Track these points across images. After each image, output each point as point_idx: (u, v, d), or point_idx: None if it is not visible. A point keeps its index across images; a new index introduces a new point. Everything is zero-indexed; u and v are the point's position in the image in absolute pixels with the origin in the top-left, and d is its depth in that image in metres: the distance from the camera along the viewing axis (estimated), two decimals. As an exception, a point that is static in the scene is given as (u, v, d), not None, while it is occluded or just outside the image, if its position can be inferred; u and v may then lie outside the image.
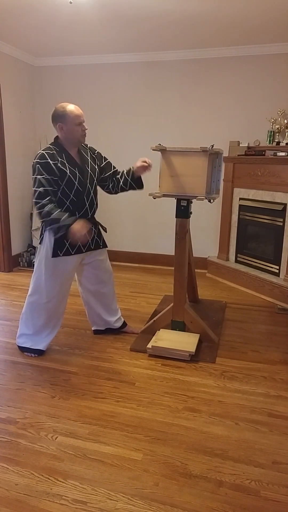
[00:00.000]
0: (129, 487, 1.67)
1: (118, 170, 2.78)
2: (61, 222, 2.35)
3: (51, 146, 2.49)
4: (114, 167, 2.77)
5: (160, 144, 2.61)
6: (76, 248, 2.59)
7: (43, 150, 2.45)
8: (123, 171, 2.74)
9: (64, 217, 2.37)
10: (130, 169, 2.72)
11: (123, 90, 4.68)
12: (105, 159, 2.75)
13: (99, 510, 1.56)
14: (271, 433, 2.01)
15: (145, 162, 2.64)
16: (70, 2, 3.03)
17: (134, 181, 2.71)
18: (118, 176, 2.74)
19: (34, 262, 4.79)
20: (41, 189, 2.38)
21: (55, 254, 2.53)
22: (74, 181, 2.47)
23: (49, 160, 2.41)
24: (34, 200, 2.43)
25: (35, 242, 4.87)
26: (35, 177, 2.40)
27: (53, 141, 2.54)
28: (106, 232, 2.83)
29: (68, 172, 2.45)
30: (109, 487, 1.67)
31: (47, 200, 2.39)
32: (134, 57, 4.52)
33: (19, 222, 4.87)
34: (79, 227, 2.37)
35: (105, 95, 4.74)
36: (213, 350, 2.82)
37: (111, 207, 4.72)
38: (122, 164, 4.85)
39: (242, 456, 1.85)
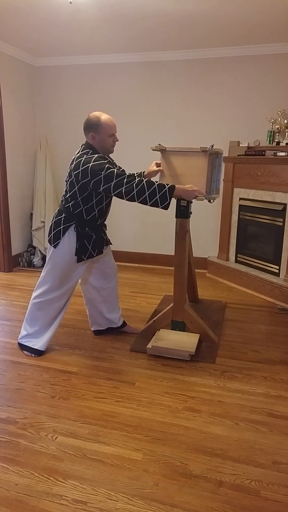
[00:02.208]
0: (129, 487, 1.67)
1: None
2: (162, 191, 2.28)
3: (94, 154, 2.42)
4: (123, 171, 2.77)
5: (160, 144, 2.61)
6: (97, 251, 2.65)
7: (95, 155, 2.38)
8: (133, 174, 2.73)
9: (158, 186, 2.29)
10: (141, 173, 2.73)
11: (123, 90, 4.68)
12: (116, 165, 2.75)
13: (99, 510, 1.56)
14: (271, 433, 2.01)
15: (159, 166, 2.65)
16: (70, 2, 3.03)
17: None
18: None
19: (34, 262, 4.85)
20: (122, 177, 2.29)
21: (80, 259, 2.57)
22: None
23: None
24: (121, 189, 2.29)
25: (35, 242, 4.86)
26: (109, 172, 2.29)
27: (87, 146, 2.48)
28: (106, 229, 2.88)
29: None
30: (109, 487, 1.67)
31: (132, 179, 2.29)
32: (134, 57, 4.52)
33: (19, 222, 4.87)
34: (185, 188, 2.37)
35: (105, 95, 4.74)
36: (213, 350, 2.82)
37: (111, 207, 4.72)
38: (122, 164, 4.86)
39: (242, 456, 1.85)
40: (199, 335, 2.86)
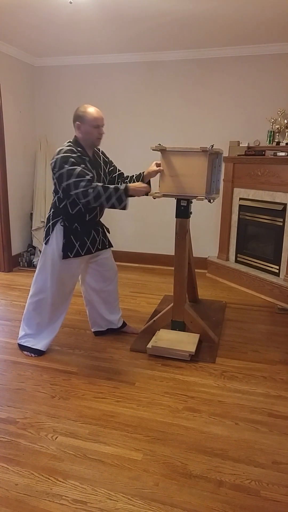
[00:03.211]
0: (129, 487, 1.67)
1: (124, 174, 2.78)
2: (118, 193, 2.31)
3: (71, 146, 2.43)
4: (119, 170, 2.77)
5: (160, 144, 2.61)
6: (86, 249, 2.60)
7: (66, 147, 2.40)
8: (133, 175, 2.73)
9: (114, 189, 2.31)
10: (141, 174, 2.70)
11: (123, 90, 4.68)
12: (112, 162, 2.75)
13: (99, 510, 1.56)
14: (271, 433, 2.01)
15: (160, 166, 2.63)
16: (70, 2, 3.03)
17: None
18: (127, 181, 2.73)
19: (34, 262, 4.85)
20: (79, 179, 2.29)
21: (65, 256, 2.53)
22: None
23: (75, 156, 2.37)
24: (77, 191, 2.30)
25: (35, 242, 4.86)
26: (68, 169, 2.29)
27: (72, 141, 2.49)
28: (109, 233, 2.85)
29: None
30: (109, 487, 1.67)
31: (91, 183, 2.30)
32: (134, 57, 4.52)
33: (19, 222, 4.86)
34: (135, 187, 2.37)
35: (105, 95, 4.74)
36: (213, 350, 2.82)
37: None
38: (122, 164, 4.85)
39: (242, 456, 1.85)
40: (199, 335, 2.86)
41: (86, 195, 2.30)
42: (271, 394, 2.34)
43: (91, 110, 2.43)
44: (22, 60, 4.68)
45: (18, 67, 4.63)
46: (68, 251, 2.53)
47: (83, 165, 2.37)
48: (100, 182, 2.51)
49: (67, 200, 2.48)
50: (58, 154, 2.37)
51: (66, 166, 2.31)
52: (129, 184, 2.39)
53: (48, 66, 4.85)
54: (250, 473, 1.76)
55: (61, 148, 2.41)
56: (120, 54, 4.50)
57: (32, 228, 4.87)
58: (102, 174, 2.59)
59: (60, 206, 2.51)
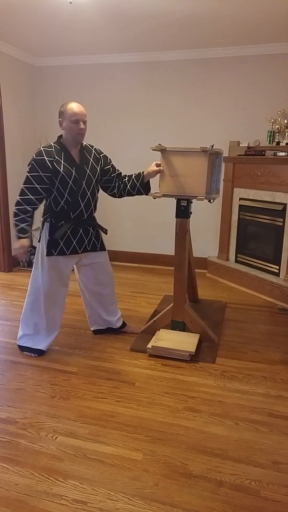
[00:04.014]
0: (129, 487, 1.67)
1: (123, 173, 2.78)
2: (15, 231, 2.54)
3: (52, 143, 2.52)
4: (118, 170, 2.76)
5: (160, 144, 2.61)
6: (72, 248, 2.61)
7: (42, 147, 2.48)
8: (132, 175, 2.72)
9: (18, 228, 2.54)
10: (140, 174, 2.69)
11: (123, 90, 4.68)
12: (110, 161, 2.74)
13: (99, 510, 1.56)
14: (271, 433, 2.01)
15: (159, 166, 2.62)
16: (70, 2, 3.03)
17: (142, 186, 2.71)
18: (126, 180, 2.72)
19: (34, 262, 4.84)
20: (26, 191, 2.48)
21: (49, 253, 2.57)
22: (68, 180, 2.47)
23: (45, 157, 2.43)
24: (18, 197, 2.50)
25: (35, 242, 4.85)
26: (27, 175, 2.46)
27: (56, 139, 2.56)
28: (106, 234, 2.82)
29: (61, 170, 2.45)
30: (109, 487, 1.67)
31: (26, 202, 2.50)
32: (134, 57, 4.52)
33: (19, 222, 4.86)
34: (19, 245, 2.53)
35: (105, 95, 4.74)
36: (213, 350, 2.82)
37: (111, 207, 4.72)
38: (122, 164, 4.85)
39: (242, 456, 1.85)
40: (199, 335, 2.86)
41: (15, 204, 2.53)
42: (271, 394, 2.34)
43: (72, 105, 2.44)
44: (22, 60, 4.68)
45: (18, 67, 4.63)
46: (52, 248, 2.57)
47: (29, 184, 2.46)
48: (83, 178, 2.54)
49: (50, 197, 2.53)
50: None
51: (27, 168, 2.47)
52: (19, 241, 2.54)
53: (48, 66, 4.85)
54: (250, 473, 1.75)
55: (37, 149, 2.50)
56: (120, 54, 4.50)
57: (32, 228, 4.86)
58: (88, 170, 2.56)
59: (47, 204, 2.58)
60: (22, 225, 2.51)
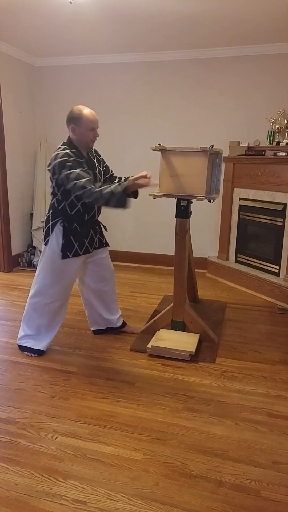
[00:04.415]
0: (129, 487, 1.67)
1: (115, 175, 2.79)
2: (115, 195, 2.25)
3: (68, 150, 2.40)
4: (111, 171, 2.77)
5: (160, 144, 2.61)
6: (84, 248, 2.62)
7: (63, 151, 2.38)
8: (122, 178, 2.73)
9: (112, 189, 2.25)
10: (128, 177, 2.65)
11: (123, 90, 4.68)
12: (104, 161, 2.75)
13: (99, 510, 1.56)
14: (271, 433, 2.01)
15: (145, 177, 2.32)
16: (70, 2, 3.03)
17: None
18: (116, 181, 2.73)
19: (34, 262, 4.85)
20: (80, 180, 2.28)
21: (65, 256, 2.55)
22: None
23: (71, 154, 2.38)
24: (78, 193, 2.31)
25: (35, 242, 4.86)
26: (69, 172, 2.29)
27: (66, 142, 2.48)
28: (106, 231, 2.85)
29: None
30: (109, 487, 1.67)
31: (90, 184, 2.28)
32: (134, 57, 4.52)
33: (19, 222, 4.86)
34: (134, 181, 2.27)
35: (105, 95, 4.74)
36: (213, 350, 2.82)
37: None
38: (122, 163, 4.85)
39: (242, 456, 1.85)
40: (199, 335, 2.86)
41: (88, 196, 2.30)
42: (271, 394, 2.34)
43: (87, 112, 2.42)
44: (22, 60, 4.68)
45: (18, 67, 4.63)
46: (67, 251, 2.55)
47: (80, 168, 2.36)
48: (97, 182, 2.52)
49: (66, 201, 2.49)
50: (55, 159, 2.37)
51: (64, 171, 2.32)
52: (129, 181, 2.31)
53: (48, 66, 4.85)
54: (250, 473, 1.75)
55: (57, 153, 2.40)
56: (120, 54, 4.50)
57: (32, 228, 4.87)
58: (97, 173, 2.60)
59: (59, 208, 2.52)
60: (109, 189, 2.25)
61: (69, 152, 2.40)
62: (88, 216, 2.60)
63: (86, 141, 2.48)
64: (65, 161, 2.33)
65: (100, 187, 2.28)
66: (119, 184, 2.29)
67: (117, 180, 2.75)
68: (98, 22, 3.53)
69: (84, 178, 2.30)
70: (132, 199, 2.39)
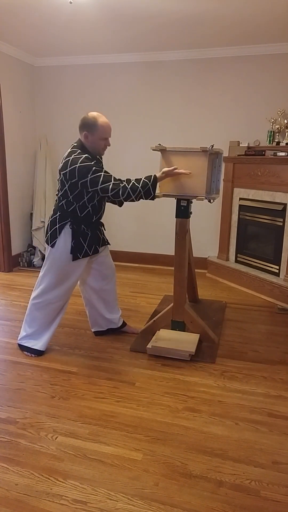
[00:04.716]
0: (129, 487, 1.67)
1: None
2: (145, 188, 2.38)
3: (82, 154, 2.42)
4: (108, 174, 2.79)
5: (160, 144, 2.61)
6: (93, 249, 2.65)
7: (81, 155, 2.39)
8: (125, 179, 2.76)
9: (143, 184, 2.38)
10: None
11: (123, 90, 4.68)
12: None
13: (99, 510, 1.56)
14: (271, 433, 2.01)
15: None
16: (70, 2, 3.03)
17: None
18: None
19: (34, 262, 4.85)
20: (107, 183, 2.35)
21: (75, 257, 2.57)
22: None
23: (91, 158, 2.44)
24: (109, 194, 2.36)
25: (35, 242, 4.86)
26: (95, 176, 2.34)
27: (78, 146, 2.48)
28: (104, 229, 2.88)
29: None
30: (109, 487, 1.67)
31: (117, 181, 2.37)
32: (134, 57, 4.52)
33: (19, 222, 4.86)
34: (165, 173, 2.45)
35: (105, 95, 4.74)
36: (213, 350, 2.82)
37: (111, 207, 4.71)
38: (122, 163, 4.86)
39: (242, 456, 1.85)
40: (199, 335, 2.86)
41: (116, 195, 2.37)
42: (271, 394, 2.34)
43: (102, 122, 2.42)
44: (22, 60, 4.68)
45: (18, 67, 4.63)
46: (77, 252, 2.58)
47: (103, 171, 2.41)
48: None
49: (77, 204, 2.51)
50: (74, 164, 2.35)
51: (89, 175, 2.34)
52: (157, 175, 2.45)
53: (48, 66, 4.85)
54: (250, 473, 1.75)
55: (75, 157, 2.38)
56: (120, 54, 4.50)
57: (32, 228, 4.86)
58: None
59: (69, 210, 2.53)
60: (140, 187, 2.38)
61: (89, 156, 2.43)
62: (96, 218, 2.63)
63: (97, 150, 2.50)
64: (90, 166, 2.35)
65: (129, 181, 2.39)
66: (149, 176, 2.42)
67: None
68: (98, 22, 3.53)
69: (110, 179, 2.37)
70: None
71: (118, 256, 4.96)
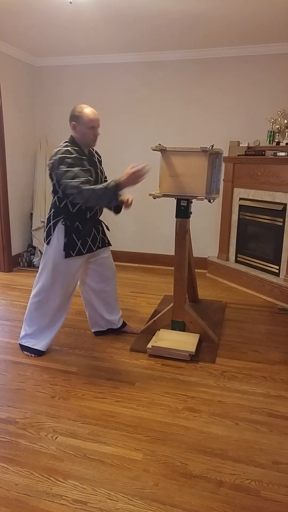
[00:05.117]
0: (129, 487, 1.67)
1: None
2: (106, 193, 2.28)
3: (70, 147, 2.43)
4: (105, 178, 2.76)
5: (160, 144, 2.61)
6: (88, 247, 2.61)
7: (65, 148, 2.40)
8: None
9: (103, 188, 2.28)
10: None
11: (123, 90, 4.68)
12: (101, 164, 2.75)
13: (99, 510, 1.56)
14: (271, 433, 2.01)
15: (127, 202, 2.52)
16: (70, 2, 3.03)
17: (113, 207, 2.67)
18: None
19: (34, 262, 4.85)
20: (74, 180, 2.29)
21: (68, 255, 2.54)
22: (91, 178, 2.45)
23: (72, 151, 2.40)
24: (67, 192, 2.32)
25: (35, 242, 4.86)
26: (66, 170, 2.30)
27: (68, 140, 2.50)
28: (109, 230, 2.86)
29: (88, 165, 2.46)
30: (109, 487, 1.67)
31: (82, 184, 2.29)
32: (134, 57, 4.52)
33: (19, 222, 4.86)
34: (127, 178, 2.27)
35: (105, 95, 4.74)
36: (213, 350, 2.81)
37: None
38: (121, 164, 4.84)
39: (242, 456, 1.85)
40: (199, 335, 2.86)
41: (81, 198, 2.31)
42: (271, 394, 2.34)
43: (88, 111, 2.43)
44: (22, 60, 4.68)
45: (18, 67, 4.63)
46: (70, 249, 2.54)
47: (81, 167, 2.37)
48: (98, 180, 2.53)
49: (67, 199, 2.48)
50: (55, 155, 2.38)
51: (62, 167, 2.32)
52: (121, 178, 2.29)
53: (48, 66, 4.85)
54: (250, 473, 1.76)
55: (58, 149, 2.41)
56: (120, 54, 4.50)
57: (32, 228, 4.87)
58: (98, 171, 2.60)
59: (61, 206, 2.52)
60: (101, 186, 2.30)
61: (70, 149, 2.41)
62: (90, 214, 2.59)
63: (87, 140, 2.49)
64: (65, 157, 2.34)
65: (88, 190, 2.28)
66: (112, 180, 2.30)
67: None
68: (98, 22, 3.53)
69: (81, 178, 2.30)
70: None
71: (118, 256, 4.95)
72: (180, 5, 3.13)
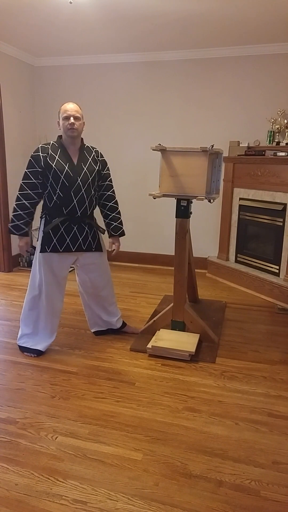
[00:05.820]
0: (129, 487, 1.67)
1: (112, 197, 2.77)
2: (10, 226, 2.61)
3: (52, 141, 2.60)
4: (111, 183, 2.76)
5: (160, 144, 2.61)
6: (65, 246, 2.61)
7: (41, 144, 2.59)
8: (109, 215, 2.78)
9: (13, 225, 2.60)
10: (110, 232, 2.83)
11: (123, 90, 4.68)
12: (107, 169, 2.74)
13: (99, 510, 1.56)
14: (271, 433, 2.01)
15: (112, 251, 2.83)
16: (70, 2, 3.02)
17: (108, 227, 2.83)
18: (106, 210, 2.78)
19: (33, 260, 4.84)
20: (24, 186, 2.55)
21: (43, 249, 2.61)
22: (60, 175, 2.50)
23: (40, 153, 2.53)
24: (18, 192, 2.58)
25: (35, 242, 4.86)
26: (25, 171, 2.56)
27: (57, 138, 2.63)
28: (103, 233, 2.79)
29: (54, 165, 2.49)
30: (109, 487, 1.67)
31: (24, 197, 2.56)
32: (134, 57, 4.52)
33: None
34: (20, 243, 2.68)
35: (105, 95, 4.74)
36: (213, 350, 2.82)
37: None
38: (121, 164, 4.86)
39: (242, 456, 1.85)
40: (199, 335, 2.86)
41: (16, 200, 2.59)
42: (271, 394, 2.34)
43: (64, 105, 2.52)
44: (22, 60, 4.68)
45: (18, 67, 4.63)
46: (45, 244, 2.59)
47: (45, 155, 2.51)
48: (79, 175, 2.55)
49: (45, 192, 2.59)
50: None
51: (26, 170, 2.55)
52: (20, 236, 2.66)
53: (48, 66, 4.85)
54: (250, 473, 1.76)
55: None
56: (120, 54, 4.50)
57: (32, 228, 4.87)
58: (85, 168, 2.57)
59: (43, 201, 2.64)
60: (18, 222, 2.59)
61: (40, 147, 2.55)
62: (67, 210, 2.57)
63: (64, 131, 2.54)
64: (31, 157, 2.55)
65: (18, 209, 2.58)
66: (20, 231, 2.62)
67: (106, 209, 2.77)
68: (98, 22, 3.53)
69: (22, 191, 2.56)
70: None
71: (118, 256, 4.94)
72: (180, 5, 3.13)
